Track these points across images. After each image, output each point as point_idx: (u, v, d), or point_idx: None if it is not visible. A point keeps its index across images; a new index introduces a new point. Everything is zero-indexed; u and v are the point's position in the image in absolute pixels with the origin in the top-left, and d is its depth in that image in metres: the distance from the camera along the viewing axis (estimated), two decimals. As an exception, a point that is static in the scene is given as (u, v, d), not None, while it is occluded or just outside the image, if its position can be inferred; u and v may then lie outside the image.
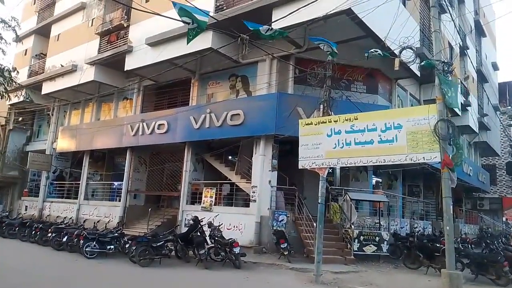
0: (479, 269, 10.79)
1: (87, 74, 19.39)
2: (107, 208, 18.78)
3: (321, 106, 11.05)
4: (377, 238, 13.30)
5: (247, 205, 14.38)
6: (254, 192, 14.02)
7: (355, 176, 16.64)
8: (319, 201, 10.14)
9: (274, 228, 13.18)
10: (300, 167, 10.53)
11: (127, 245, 11.99)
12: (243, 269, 10.84)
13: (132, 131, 17.98)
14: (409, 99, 18.38)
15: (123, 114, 20.37)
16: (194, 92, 17.23)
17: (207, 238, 11.99)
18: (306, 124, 10.65)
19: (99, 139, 19.84)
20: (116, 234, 12.67)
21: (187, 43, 9.32)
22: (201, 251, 11.07)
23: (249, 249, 12.77)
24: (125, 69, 17.81)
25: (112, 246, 12.18)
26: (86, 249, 11.82)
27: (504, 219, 34.17)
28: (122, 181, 18.63)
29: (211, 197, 15.06)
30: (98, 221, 15.18)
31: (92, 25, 20.11)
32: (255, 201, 13.87)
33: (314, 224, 11.37)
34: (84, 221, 16.32)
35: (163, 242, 11.57)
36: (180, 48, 15.01)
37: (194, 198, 16.05)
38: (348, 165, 10.69)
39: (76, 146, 21.17)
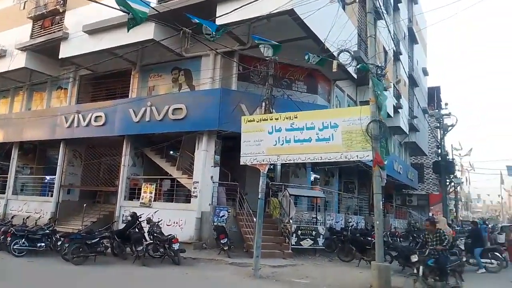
0: (406, 261, 11.54)
1: (18, 61, 18.05)
2: (38, 203, 17.68)
3: (263, 104, 11.25)
4: (313, 233, 13.84)
5: (188, 201, 14.28)
6: (195, 187, 13.94)
7: (295, 172, 17.14)
8: (259, 197, 10.33)
9: (215, 223, 13.23)
10: (241, 163, 10.64)
11: (59, 243, 11.40)
12: (182, 265, 10.77)
13: (66, 122, 17.04)
14: (346, 100, 19.23)
15: (56, 105, 19.26)
16: (135, 84, 16.72)
17: (146, 234, 11.74)
18: (249, 121, 10.79)
19: (30, 130, 18.57)
20: (48, 231, 11.95)
21: (128, 31, 9.04)
22: (139, 248, 10.81)
23: (189, 245, 12.70)
24: (59, 57, 16.82)
25: (43, 244, 11.48)
26: (14, 247, 11.05)
27: (430, 214, 36.98)
28: (55, 175, 17.62)
29: (150, 192, 14.75)
30: (27, 217, 14.19)
31: (24, 8, 18.75)
32: (196, 196, 13.79)
33: (255, 219, 11.55)
34: (12, 217, 15.20)
35: (98, 239, 11.12)
36: (120, 38, 14.46)
37: (132, 194, 15.62)
38: (287, 162, 10.99)
39: (3, 137, 19.65)
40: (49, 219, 14.54)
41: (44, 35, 17.34)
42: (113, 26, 14.68)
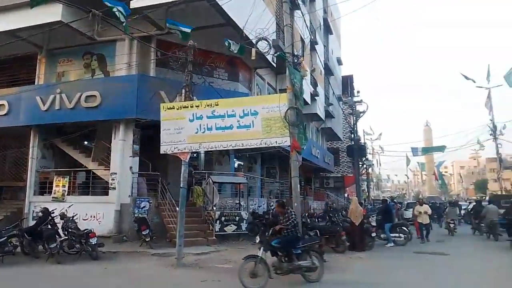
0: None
1: None
2: None
3: (183, 91, 11.06)
4: (237, 218, 14.10)
5: (106, 193, 13.65)
6: (113, 179, 13.36)
7: (218, 160, 17.20)
8: (181, 186, 10.22)
9: (136, 215, 12.84)
10: (162, 152, 10.40)
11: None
12: (101, 260, 10.32)
13: (-39, 111, 15.16)
14: (267, 88, 19.67)
15: None
16: (41, 69, 15.41)
17: (60, 230, 11.02)
18: (168, 109, 10.55)
19: None
20: None
21: (31, 7, 8.28)
22: (52, 245, 10.10)
23: (108, 239, 12.24)
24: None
25: None
26: None
27: (345, 195, 39.61)
28: (-51, 171, 15.70)
29: (63, 186, 13.83)
30: None
31: None
32: (114, 188, 13.25)
33: (177, 209, 11.42)
34: None
35: (5, 238, 10.26)
36: (24, 19, 13.16)
37: (43, 188, 14.52)
38: (209, 150, 10.99)
39: None
40: None
41: None
42: (15, 6, 13.31)
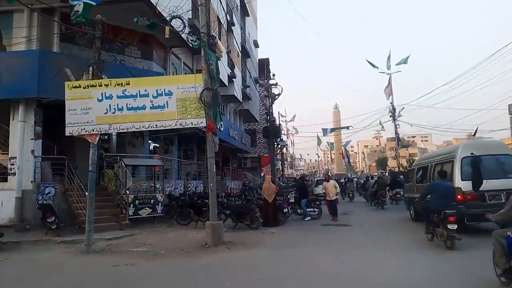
0: (238, 217, 12.67)
1: None
2: None
3: (91, 69, 10.38)
4: (152, 201, 13.84)
5: (5, 180, 12.45)
6: (13, 164, 12.23)
7: (132, 142, 16.58)
8: (90, 169, 9.70)
9: (40, 202, 11.93)
10: (67, 133, 9.77)
11: None
12: (1, 250, 9.46)
13: None
14: (183, 68, 19.27)
15: None
16: None
17: None
18: (74, 87, 9.88)
19: None
20: None
21: None
22: None
23: (9, 228, 11.30)
24: None
25: None
26: None
27: (262, 174, 40.80)
28: None
29: (-49, 173, 12.28)
30: None
31: None
32: (14, 174, 12.13)
33: (87, 194, 10.85)
34: None
35: None
36: None
37: None
38: (121, 131, 10.57)
39: None
40: None
41: None
42: None
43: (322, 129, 37.51)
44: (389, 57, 33.39)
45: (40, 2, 11.61)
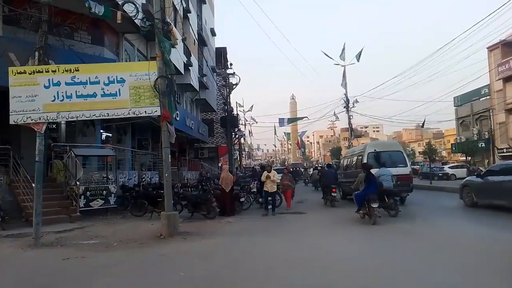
0: (194, 208, 12.60)
1: None
2: None
3: (37, 54, 9.80)
4: (104, 192, 13.43)
5: None
6: (-52, 154, 11.35)
7: (82, 131, 15.94)
8: (37, 159, 9.21)
9: (-19, 194, 11.22)
10: (11, 122, 9.18)
11: None
12: None
13: None
14: (136, 55, 18.70)
15: None
16: None
17: None
18: (18, 73, 9.29)
19: None
20: None
21: None
22: None
23: None
24: None
25: None
26: None
27: (219, 164, 40.75)
28: None
29: None
30: None
31: None
32: (-50, 165, 11.29)
33: (34, 185, 10.32)
34: None
35: None
36: None
37: None
38: (69, 119, 10.10)
39: None
40: None
41: None
42: None
43: (279, 119, 38.01)
44: (343, 49, 34.17)
45: (-22, -20, 10.78)
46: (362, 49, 33.11)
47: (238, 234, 9.76)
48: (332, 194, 14.93)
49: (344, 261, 6.58)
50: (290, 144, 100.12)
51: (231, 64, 34.17)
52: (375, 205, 10.07)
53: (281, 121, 38.79)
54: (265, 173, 13.48)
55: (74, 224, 11.46)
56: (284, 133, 74.04)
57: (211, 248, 8.20)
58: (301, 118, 35.81)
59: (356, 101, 34.44)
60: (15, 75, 9.23)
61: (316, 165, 43.23)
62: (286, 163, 79.21)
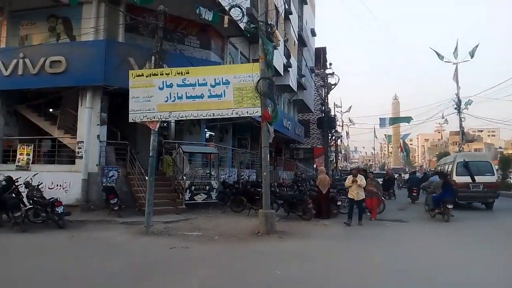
0: (290, 208, 12.65)
1: None
2: None
3: (153, 58, 10.77)
4: (207, 187, 14.22)
5: (73, 162, 13.36)
6: (80, 148, 13.07)
7: (189, 129, 17.07)
8: (150, 155, 10.13)
9: (104, 184, 12.69)
10: (130, 120, 10.23)
11: None
12: (67, 228, 10.20)
13: None
14: (239, 57, 19.44)
15: None
16: (3, 32, 14.61)
17: (25, 199, 10.77)
18: (137, 76, 10.29)
19: None
20: None
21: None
22: (16, 214, 9.89)
23: (75, 207, 12.11)
24: None
25: None
26: None
27: (314, 165, 40.44)
28: None
29: (28, 154, 13.42)
30: None
31: None
32: (81, 157, 12.97)
33: (147, 178, 11.38)
34: None
35: (-35, 208, 9.91)
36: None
37: (6, 156, 14.06)
38: (179, 119, 10.89)
39: None
40: None
41: None
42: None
43: (380, 119, 35.93)
44: (456, 46, 31.28)
45: (107, -6, 12.21)
46: (477, 46, 29.98)
47: (334, 238, 9.55)
48: (413, 194, 19.05)
49: (447, 273, 6.00)
50: (391, 147, 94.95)
51: (330, 64, 33.63)
52: (450, 206, 11.88)
53: (382, 122, 36.74)
54: (350, 177, 12.07)
55: (180, 216, 12.32)
56: (385, 135, 70.48)
57: (307, 249, 8.15)
58: (406, 119, 33.39)
59: (470, 102, 31.29)
60: (134, 77, 10.24)
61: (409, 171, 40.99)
62: (386, 167, 75.42)
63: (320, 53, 38.86)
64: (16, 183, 11.08)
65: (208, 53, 16.19)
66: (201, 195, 13.98)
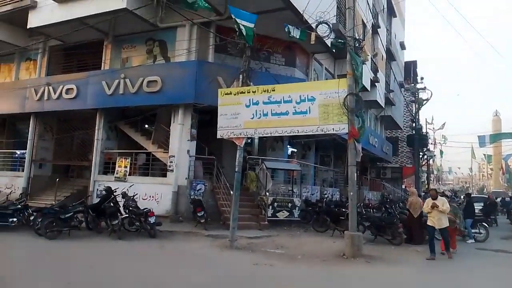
0: (378, 231, 11.94)
1: (-17, 30, 17.07)
2: (9, 178, 17.19)
3: (241, 76, 11.07)
4: (289, 204, 14.07)
5: (164, 175, 14.16)
6: (171, 161, 13.82)
7: (272, 146, 17.19)
8: (236, 170, 10.33)
9: (192, 197, 13.22)
10: (218, 136, 10.56)
11: (31, 218, 11.17)
12: (158, 238, 10.77)
13: (36, 95, 16.43)
14: (324, 73, 19.21)
15: (25, 77, 18.45)
16: (107, 55, 16.15)
17: (121, 208, 11.64)
18: (226, 94, 10.64)
19: (-2, 103, 17.86)
20: (19, 206, 11.70)
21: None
22: (114, 222, 10.71)
23: (165, 218, 12.71)
24: (28, 27, 15.93)
25: (14, 219, 11.21)
26: (-16, 222, 10.75)
27: (403, 186, 38.10)
28: (25, 149, 17.10)
29: (125, 167, 14.54)
30: (-2, 193, 13.92)
31: (-12, -26, 17.59)
32: (172, 171, 13.69)
33: (231, 193, 11.62)
34: (-18, 193, 14.78)
35: (72, 213, 10.95)
36: (91, 7, 13.83)
37: (107, 168, 15.38)
38: (264, 135, 10.99)
39: (-30, 111, 18.83)
40: (21, 194, 14.17)
41: (11, 3, 16.30)
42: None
43: (479, 136, 32.64)
44: None
45: (200, 17, 12.90)
46: None
47: (428, 266, 8.74)
48: None
49: None
50: (491, 168, 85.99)
51: (421, 78, 31.69)
52: None
53: (482, 140, 33.32)
54: (429, 200, 9.88)
55: (262, 232, 12.33)
56: (484, 154, 64.11)
57: (398, 277, 7.56)
58: (510, 135, 29.75)
59: None
60: (223, 95, 10.60)
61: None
62: (485, 190, 68.45)
63: (410, 67, 36.95)
64: (114, 193, 12.05)
65: (293, 70, 16.26)
66: (283, 212, 13.86)
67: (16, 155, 18.25)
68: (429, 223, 9.75)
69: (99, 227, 11.53)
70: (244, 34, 10.01)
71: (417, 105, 29.00)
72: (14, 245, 9.75)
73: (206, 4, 9.54)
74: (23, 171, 16.95)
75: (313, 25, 10.84)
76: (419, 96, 29.10)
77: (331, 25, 10.58)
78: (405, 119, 35.35)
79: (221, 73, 13.41)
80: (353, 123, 9.33)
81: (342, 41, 9.52)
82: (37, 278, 6.57)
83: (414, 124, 28.68)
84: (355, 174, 9.62)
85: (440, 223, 9.54)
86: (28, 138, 17.17)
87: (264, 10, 12.92)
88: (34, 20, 15.70)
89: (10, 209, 11.41)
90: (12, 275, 6.59)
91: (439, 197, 9.93)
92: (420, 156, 31.32)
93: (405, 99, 33.48)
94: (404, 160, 37.41)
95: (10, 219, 11.15)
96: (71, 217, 10.81)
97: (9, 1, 16.43)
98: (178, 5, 9.75)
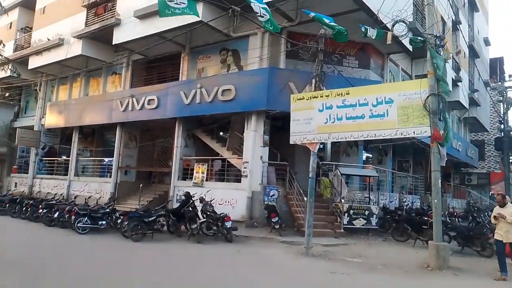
0: (465, 241, 11.04)
1: (74, 48, 18.88)
2: (98, 184, 18.75)
3: (313, 81, 10.98)
4: (366, 212, 13.54)
5: (239, 181, 14.43)
6: (245, 167, 14.04)
7: (346, 151, 16.75)
8: (310, 176, 10.21)
9: (266, 203, 13.29)
10: (291, 142, 10.54)
11: (119, 221, 12.01)
12: (234, 242, 10.99)
13: (121, 106, 17.75)
14: (400, 74, 18.35)
15: (112, 89, 20.03)
16: (184, 66, 16.96)
17: (199, 213, 12.06)
18: (298, 99, 10.60)
19: (88, 115, 19.59)
20: (108, 210, 12.67)
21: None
22: (193, 226, 11.15)
23: (240, 223, 12.91)
24: (113, 43, 17.37)
25: (104, 222, 12.18)
26: (78, 225, 11.78)
27: (490, 193, 34.93)
28: (113, 157, 18.53)
29: (202, 173, 15.07)
30: (89, 197, 15.22)
31: (78, -3, 19.52)
32: (246, 176, 13.90)
33: (305, 199, 11.49)
34: (75, 197, 16.22)
35: (155, 217, 11.61)
36: (169, 21, 14.59)
37: (185, 174, 16.06)
38: (339, 140, 10.73)
39: (64, 122, 20.90)
40: (109, 198, 15.34)
41: (97, 22, 17.91)
42: (163, 10, 14.87)
43: None
44: None
45: (272, 24, 13.04)
46: None
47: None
48: None
49: None
50: None
51: (510, 76, 29.01)
52: None
53: None
54: (497, 208, 8.33)
55: (338, 240, 12.02)
56: None
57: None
58: None
59: None
60: (295, 101, 10.57)
61: None
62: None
63: (496, 64, 33.97)
64: (192, 198, 12.55)
65: (367, 72, 15.74)
66: (360, 220, 13.38)
67: (104, 162, 19.85)
68: (496, 236, 8.25)
69: (179, 230, 12.08)
70: (333, 34, 9.89)
71: (505, 105, 26.56)
72: (104, 246, 10.56)
73: (272, 28, 9.56)
74: (110, 177, 18.37)
75: (389, 25, 10.43)
76: (507, 96, 26.60)
77: (408, 24, 10.07)
78: (492, 120, 32.48)
79: (292, 79, 13.40)
80: (436, 126, 8.75)
81: (422, 39, 8.99)
82: (127, 278, 7.04)
83: (502, 126, 26.31)
84: (439, 180, 8.99)
85: (509, 237, 7.98)
86: (115, 147, 18.60)
87: (335, 13, 12.67)
88: (119, 36, 17.03)
89: (100, 212, 12.41)
90: (106, 275, 7.12)
91: (508, 203, 8.27)
92: (511, 160, 28.56)
93: (491, 98, 30.75)
94: (492, 165, 34.31)
95: (100, 222, 12.12)
96: (154, 220, 11.47)
97: (97, 20, 18.03)
98: (251, 14, 9.92)
